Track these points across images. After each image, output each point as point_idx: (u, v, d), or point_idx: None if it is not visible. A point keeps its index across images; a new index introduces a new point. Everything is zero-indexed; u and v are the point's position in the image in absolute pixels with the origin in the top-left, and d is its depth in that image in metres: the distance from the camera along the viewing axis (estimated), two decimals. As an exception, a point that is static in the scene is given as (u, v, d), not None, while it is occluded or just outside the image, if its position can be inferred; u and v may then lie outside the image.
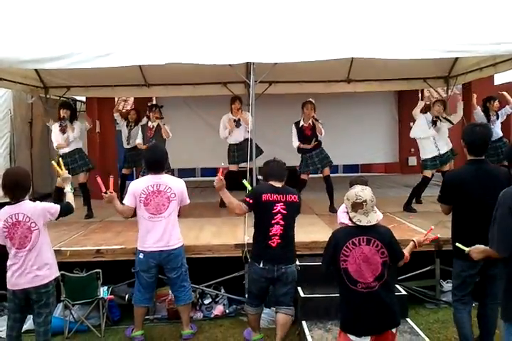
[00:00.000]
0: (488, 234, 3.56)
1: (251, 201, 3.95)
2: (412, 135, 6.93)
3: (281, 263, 3.95)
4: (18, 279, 3.58)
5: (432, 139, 6.72)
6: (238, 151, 7.29)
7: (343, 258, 2.98)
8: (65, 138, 6.83)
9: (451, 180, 3.78)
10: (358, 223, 2.99)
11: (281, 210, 3.92)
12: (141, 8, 5.62)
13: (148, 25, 5.40)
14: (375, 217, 3.04)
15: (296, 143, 6.89)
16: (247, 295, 4.41)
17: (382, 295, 2.99)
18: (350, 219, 3.04)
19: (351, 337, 3.01)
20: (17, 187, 3.60)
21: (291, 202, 3.97)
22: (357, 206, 2.99)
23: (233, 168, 7.34)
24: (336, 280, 3.07)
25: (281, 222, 3.92)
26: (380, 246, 2.98)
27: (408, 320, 4.29)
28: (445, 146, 6.77)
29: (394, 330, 3.05)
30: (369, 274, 2.96)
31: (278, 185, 4.03)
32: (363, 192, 3.03)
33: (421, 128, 6.76)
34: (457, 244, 3.31)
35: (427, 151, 6.78)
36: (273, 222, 3.92)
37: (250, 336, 4.31)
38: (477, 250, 3.15)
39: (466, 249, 3.24)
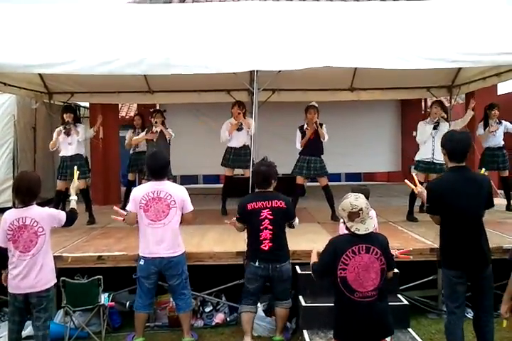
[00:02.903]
0: (475, 243, 3.56)
1: (238, 216, 4.33)
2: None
3: (275, 262, 4.20)
4: (20, 283, 3.59)
5: (432, 143, 6.61)
6: (235, 156, 7.25)
7: (342, 266, 2.96)
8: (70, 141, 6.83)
9: (434, 189, 3.73)
10: (356, 232, 2.98)
11: (268, 216, 4.17)
12: (146, 17, 5.66)
13: (153, 33, 5.42)
14: (372, 223, 3.04)
15: (298, 145, 6.86)
16: (242, 296, 4.45)
17: (378, 305, 2.99)
18: (348, 228, 3.03)
19: None
20: (28, 193, 3.65)
21: (278, 208, 4.21)
22: (353, 215, 2.98)
23: (228, 172, 7.37)
24: (333, 288, 3.06)
25: (270, 227, 4.17)
26: (380, 254, 2.98)
27: (410, 330, 4.25)
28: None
29: (388, 339, 3.05)
30: (369, 283, 2.95)
31: (266, 190, 4.28)
32: (357, 200, 3.02)
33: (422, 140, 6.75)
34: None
35: (421, 152, 6.74)
36: (261, 227, 4.17)
37: None
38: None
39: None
